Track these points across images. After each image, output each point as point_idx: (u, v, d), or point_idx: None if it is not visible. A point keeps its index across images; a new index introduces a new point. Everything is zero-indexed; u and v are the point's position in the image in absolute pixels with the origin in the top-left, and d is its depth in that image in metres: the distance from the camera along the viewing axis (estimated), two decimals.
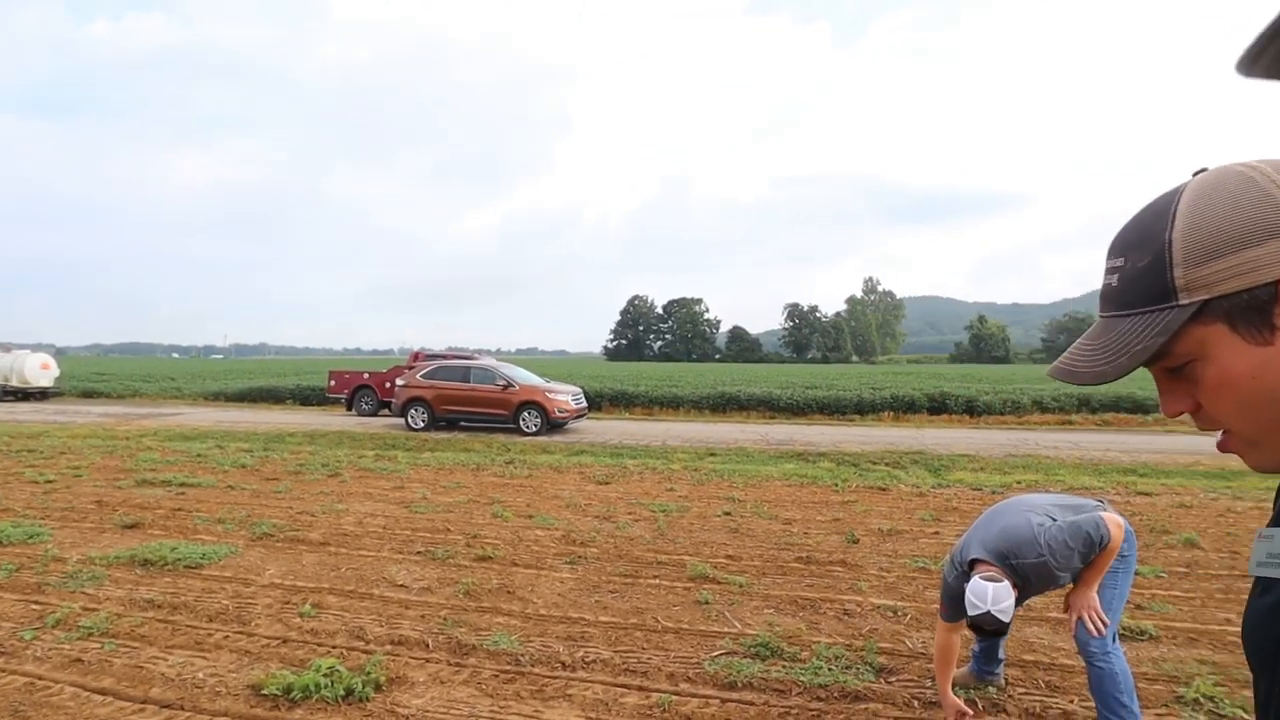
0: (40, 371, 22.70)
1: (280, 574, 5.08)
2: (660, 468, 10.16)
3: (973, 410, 19.29)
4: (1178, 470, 10.10)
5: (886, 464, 10.72)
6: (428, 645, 3.87)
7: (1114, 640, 2.82)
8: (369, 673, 3.42)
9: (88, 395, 24.90)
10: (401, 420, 15.46)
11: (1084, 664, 2.85)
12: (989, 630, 2.67)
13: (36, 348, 25.53)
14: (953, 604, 2.90)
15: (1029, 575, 2.80)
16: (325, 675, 3.35)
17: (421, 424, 15.02)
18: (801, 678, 3.49)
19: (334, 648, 3.82)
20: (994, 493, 8.27)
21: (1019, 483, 8.96)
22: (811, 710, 3.23)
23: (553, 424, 14.70)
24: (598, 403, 20.61)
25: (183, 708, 3.18)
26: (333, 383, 19.37)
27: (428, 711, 3.17)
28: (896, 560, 5.54)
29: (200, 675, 3.47)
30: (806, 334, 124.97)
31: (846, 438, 14.56)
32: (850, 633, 4.12)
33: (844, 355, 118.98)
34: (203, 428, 15.14)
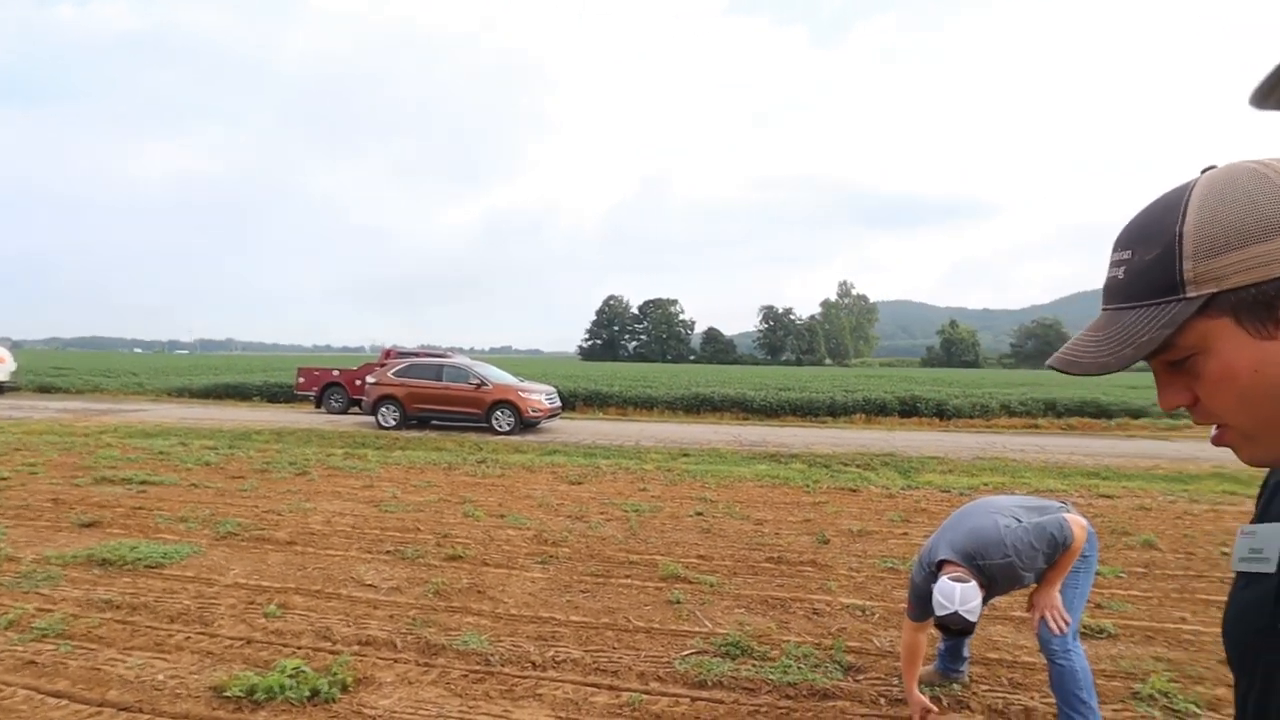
0: None
1: (245, 574, 4.99)
2: (633, 468, 10.17)
3: (942, 413, 19.57)
4: (1138, 474, 10.35)
5: (857, 466, 10.84)
6: (396, 645, 3.83)
7: (1075, 638, 2.88)
8: (335, 673, 3.37)
9: (45, 390, 24.21)
10: (372, 418, 15.27)
11: (1045, 661, 2.91)
12: (955, 630, 2.71)
13: None
14: (920, 604, 2.94)
15: (995, 575, 2.85)
16: (290, 676, 3.29)
17: (392, 422, 14.86)
18: (771, 676, 3.52)
19: (299, 648, 3.76)
20: (962, 494, 8.40)
21: (986, 485, 9.11)
22: (781, 708, 3.25)
23: (526, 423, 14.63)
24: (571, 403, 20.55)
25: (141, 710, 3.11)
26: (301, 380, 19.07)
27: (395, 712, 3.13)
28: (866, 560, 5.60)
29: (160, 677, 3.39)
30: (781, 336, 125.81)
31: (819, 439, 14.68)
32: (819, 632, 4.16)
33: (818, 358, 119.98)
34: (166, 424, 14.81)
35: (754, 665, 3.66)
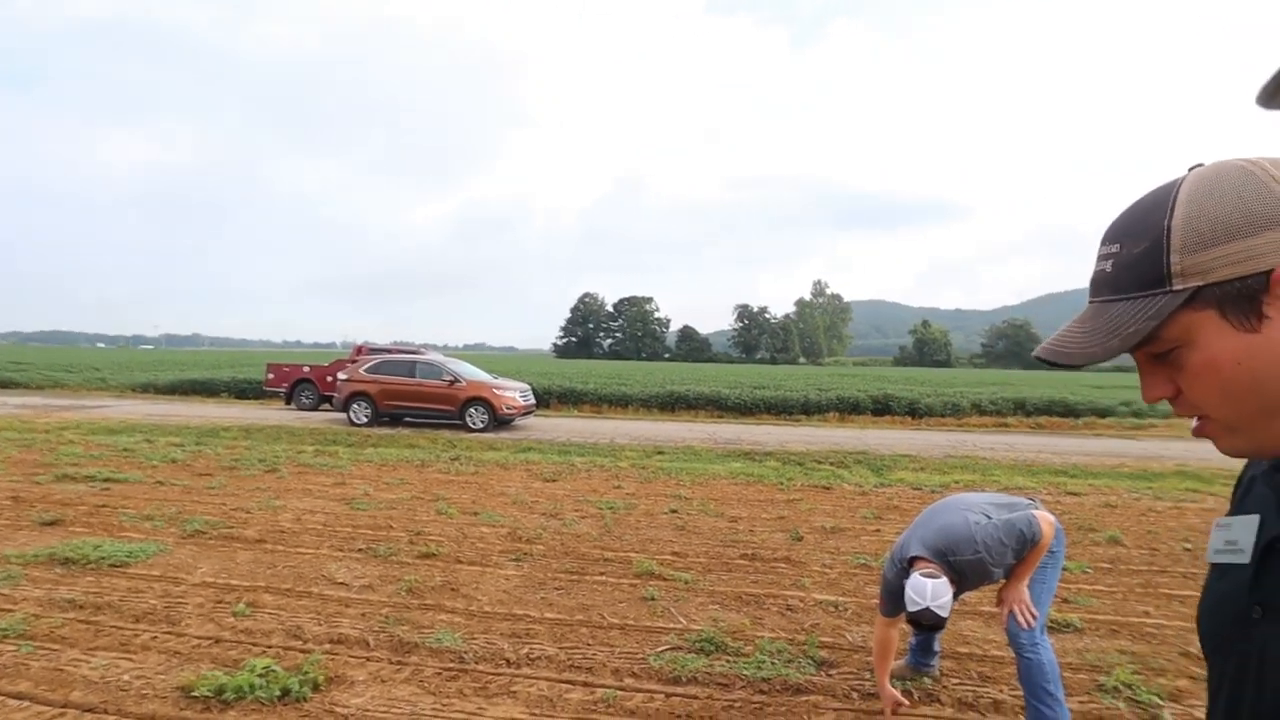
0: None
1: (213, 572, 4.90)
2: (608, 465, 10.16)
3: (915, 412, 19.84)
4: (1104, 472, 10.57)
5: (831, 463, 10.93)
6: (368, 644, 3.79)
7: (1042, 632, 2.94)
8: (306, 672, 3.33)
9: (4, 385, 23.58)
10: (343, 415, 15.08)
11: (1014, 655, 2.96)
12: (927, 625, 2.74)
13: None
14: (892, 599, 2.98)
15: (965, 571, 2.89)
16: (260, 675, 3.24)
17: (364, 419, 14.69)
18: (745, 671, 3.54)
19: (270, 647, 3.70)
20: (933, 492, 8.51)
21: (957, 482, 9.25)
22: (754, 703, 3.27)
23: (500, 421, 14.55)
24: (546, 400, 20.48)
25: (106, 711, 3.04)
26: (271, 376, 18.78)
27: (368, 710, 3.10)
28: (839, 557, 5.66)
29: (125, 677, 3.32)
30: (756, 335, 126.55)
31: (793, 437, 14.79)
32: (793, 627, 4.19)
33: (792, 356, 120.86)
34: (130, 421, 14.49)
35: (728, 661, 3.68)
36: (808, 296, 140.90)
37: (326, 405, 17.55)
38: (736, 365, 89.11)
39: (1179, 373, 0.64)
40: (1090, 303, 0.68)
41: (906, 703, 3.20)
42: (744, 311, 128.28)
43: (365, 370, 15.10)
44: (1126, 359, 0.68)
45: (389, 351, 17.45)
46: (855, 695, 3.37)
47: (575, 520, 6.69)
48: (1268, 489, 0.69)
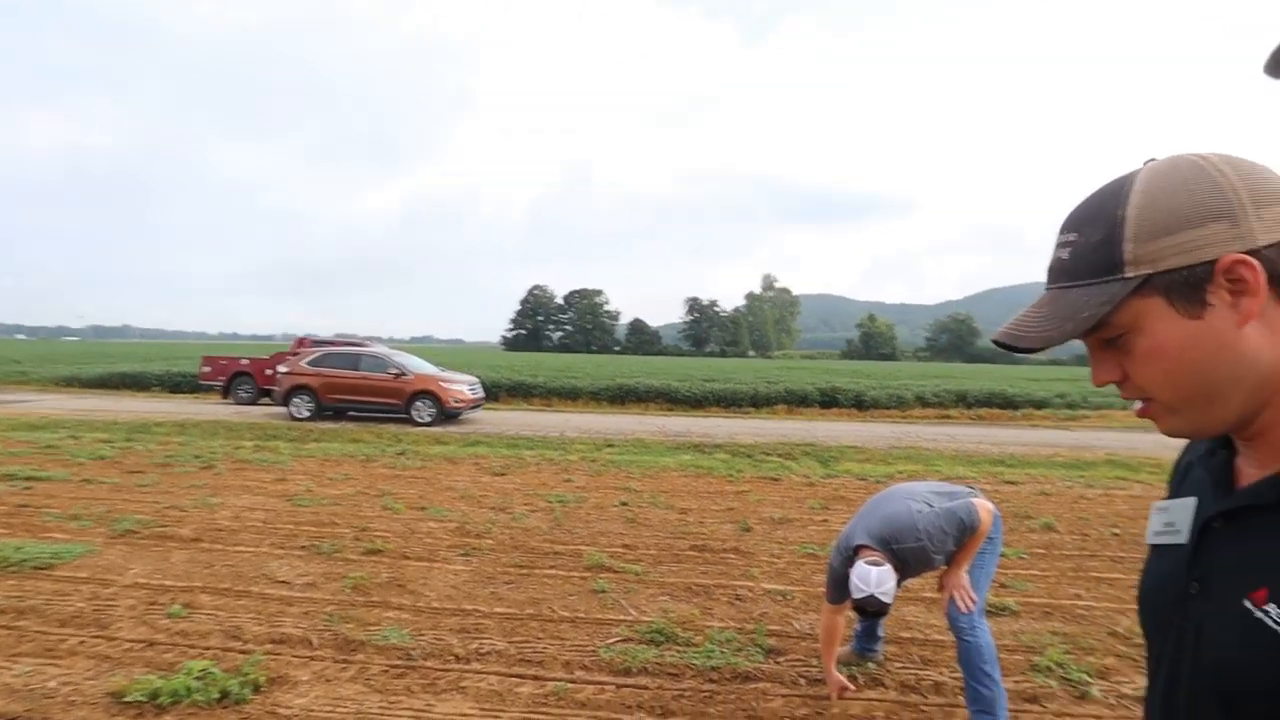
0: None
1: (145, 573, 4.71)
2: (558, 459, 10.12)
3: (861, 404, 20.29)
4: (1039, 461, 10.99)
5: (779, 455, 11.10)
6: (312, 643, 3.69)
7: (981, 616, 3.04)
8: (247, 673, 3.22)
9: None
10: (284, 409, 14.65)
11: (954, 638, 3.05)
12: (872, 611, 2.81)
13: None
14: (838, 587, 3.04)
15: (909, 559, 2.97)
16: (197, 678, 3.13)
17: (306, 413, 14.30)
18: (694, 661, 3.57)
19: (207, 649, 3.58)
20: (878, 482, 8.71)
21: (901, 473, 9.49)
22: (704, 692, 3.31)
23: (448, 414, 14.34)
24: (495, 393, 20.25)
25: (32, 719, 2.90)
26: (207, 369, 18.14)
27: (312, 711, 3.03)
28: (786, 547, 5.75)
29: (52, 684, 3.17)
30: (706, 328, 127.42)
31: (742, 430, 14.97)
32: (742, 617, 4.25)
33: (741, 350, 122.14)
34: (54, 416, 13.80)
35: (678, 651, 3.71)
36: (757, 290, 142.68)
37: (266, 399, 17.05)
38: (686, 358, 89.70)
39: (1127, 357, 0.67)
40: (1048, 289, 0.71)
41: (852, 687, 3.29)
42: (694, 304, 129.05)
43: (308, 363, 14.70)
44: (1062, 351, 0.70)
45: (332, 344, 17.02)
46: (803, 681, 3.43)
47: (525, 514, 6.64)
48: (1204, 471, 0.73)
